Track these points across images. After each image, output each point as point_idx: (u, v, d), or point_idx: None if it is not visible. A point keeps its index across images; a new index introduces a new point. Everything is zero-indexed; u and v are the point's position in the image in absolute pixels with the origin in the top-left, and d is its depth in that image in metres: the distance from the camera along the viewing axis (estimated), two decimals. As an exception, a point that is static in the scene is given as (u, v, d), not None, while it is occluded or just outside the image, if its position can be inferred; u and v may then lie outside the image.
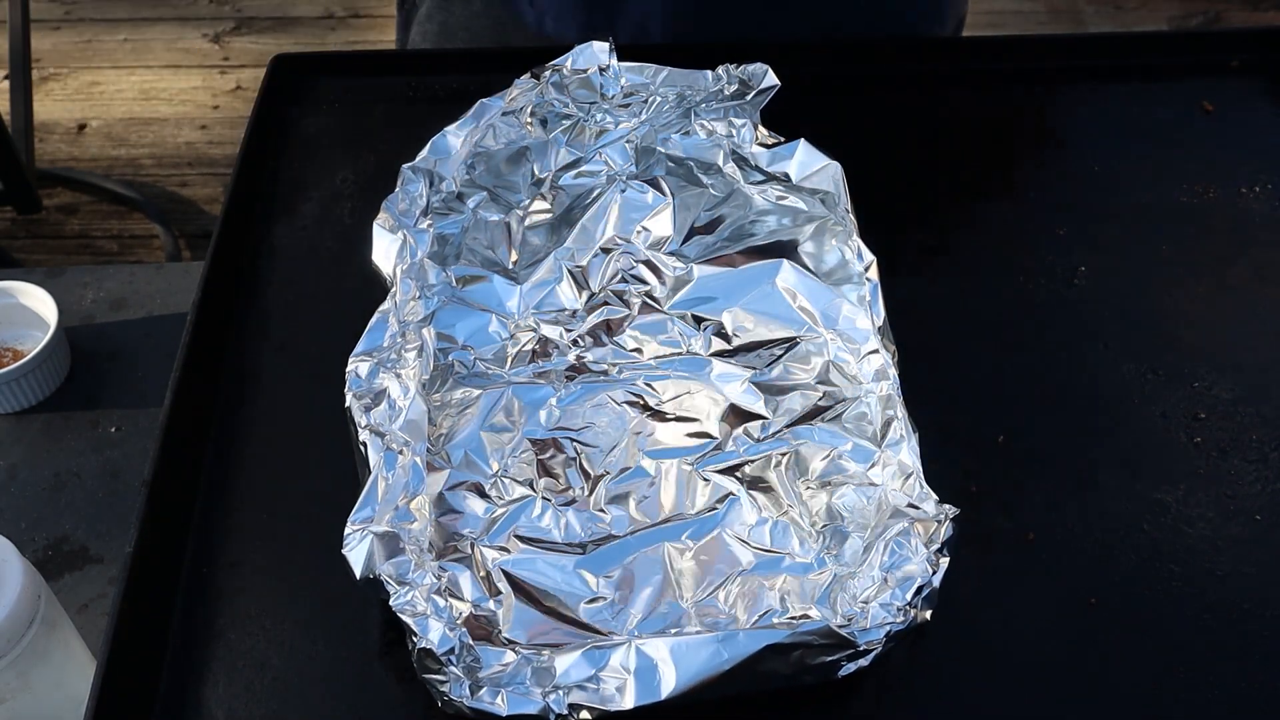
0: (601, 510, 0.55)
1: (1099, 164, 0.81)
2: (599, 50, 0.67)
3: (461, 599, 0.52)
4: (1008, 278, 0.73)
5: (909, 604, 0.51)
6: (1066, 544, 0.60)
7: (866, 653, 0.50)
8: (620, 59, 0.67)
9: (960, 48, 0.92)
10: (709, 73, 0.68)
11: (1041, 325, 0.71)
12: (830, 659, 0.50)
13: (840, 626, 0.49)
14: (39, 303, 0.88)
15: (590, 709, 0.48)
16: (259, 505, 0.63)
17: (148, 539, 0.58)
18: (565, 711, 0.48)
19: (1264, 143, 0.82)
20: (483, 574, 0.52)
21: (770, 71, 0.66)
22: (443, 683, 0.49)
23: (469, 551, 0.53)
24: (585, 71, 0.67)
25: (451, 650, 0.49)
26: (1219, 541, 0.60)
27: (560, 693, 0.48)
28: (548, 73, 0.68)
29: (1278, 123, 0.83)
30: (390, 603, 0.51)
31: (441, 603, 0.51)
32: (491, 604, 0.52)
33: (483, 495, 0.54)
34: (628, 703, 0.48)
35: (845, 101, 0.72)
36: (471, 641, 0.50)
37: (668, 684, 0.48)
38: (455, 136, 0.67)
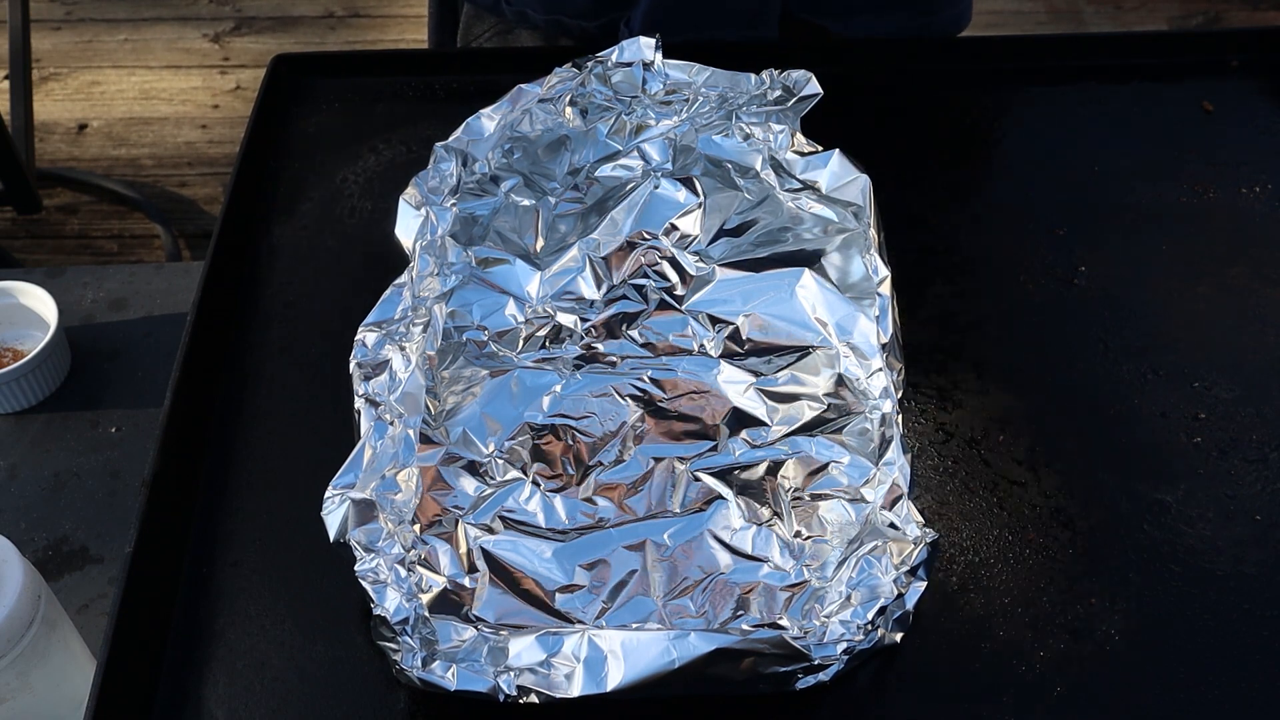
0: (589, 500, 0.55)
1: (1099, 164, 0.81)
2: (645, 45, 0.68)
3: (438, 573, 0.52)
4: (1008, 278, 0.73)
5: (870, 623, 0.51)
6: (1066, 544, 0.60)
7: (823, 668, 0.51)
8: (665, 56, 0.69)
9: (960, 48, 0.92)
10: (752, 76, 0.68)
11: (1041, 325, 0.71)
12: (784, 670, 0.51)
13: (795, 639, 0.50)
14: (39, 303, 0.88)
15: (538, 693, 0.49)
16: (259, 505, 0.63)
17: (148, 539, 0.58)
18: (513, 693, 0.49)
19: (1264, 143, 0.82)
20: (463, 550, 0.53)
21: (814, 80, 0.67)
22: (395, 651, 0.51)
23: (452, 528, 0.53)
24: (629, 65, 0.68)
25: (406, 620, 0.50)
26: (1219, 541, 0.60)
27: (511, 674, 0.50)
28: (591, 64, 0.68)
29: (1278, 123, 0.83)
30: (354, 568, 0.52)
31: (404, 573, 0.52)
32: (466, 580, 0.52)
33: (475, 474, 0.55)
34: (574, 691, 0.49)
35: (845, 101, 0.72)
36: (429, 615, 0.51)
37: (615, 677, 0.49)
38: (490, 119, 0.68)
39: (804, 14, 0.91)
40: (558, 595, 0.53)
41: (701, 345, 0.59)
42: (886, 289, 0.60)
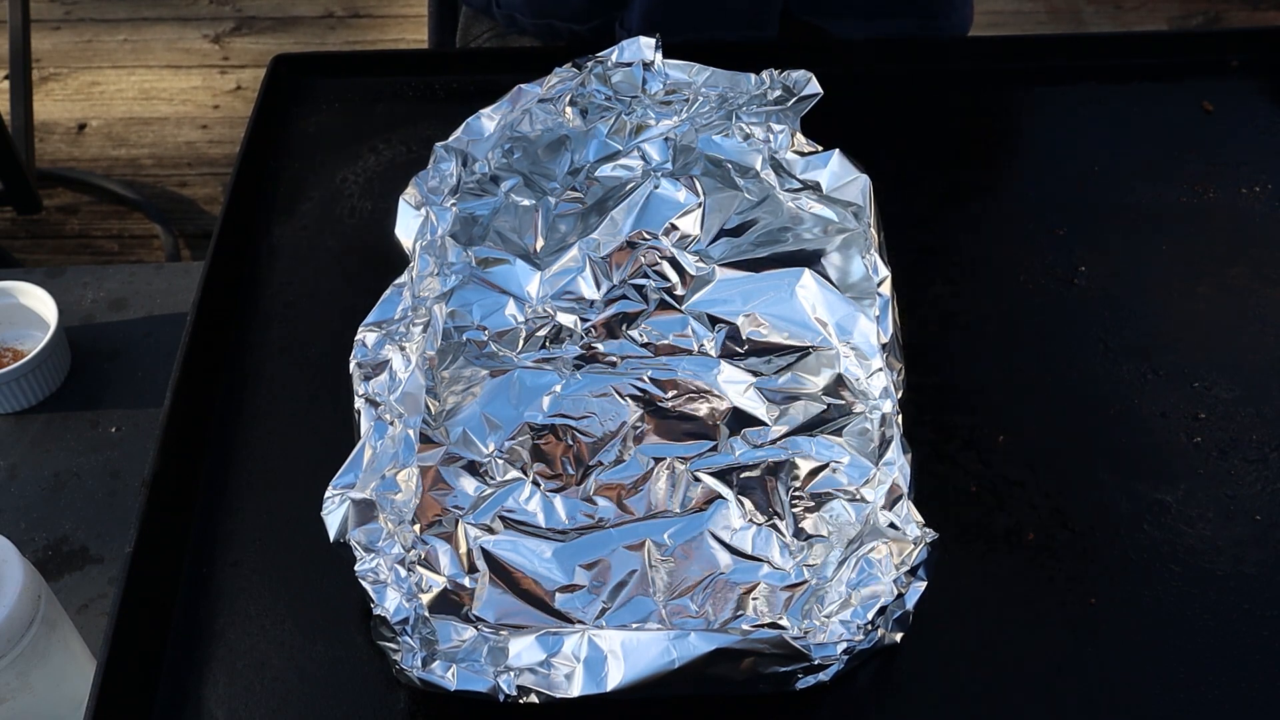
0: (589, 500, 0.55)
1: (1099, 164, 0.81)
2: (645, 45, 0.68)
3: (438, 573, 0.52)
4: (1008, 278, 0.73)
5: (870, 623, 0.51)
6: (1066, 544, 0.60)
7: (823, 668, 0.51)
8: (665, 56, 0.69)
9: (960, 48, 0.92)
10: (752, 76, 0.68)
11: (1041, 325, 0.71)
12: (784, 670, 0.51)
13: (795, 639, 0.50)
14: (39, 303, 0.88)
15: (538, 693, 0.49)
16: (259, 505, 0.63)
17: (148, 539, 0.58)
18: (513, 693, 0.49)
19: (1264, 143, 0.82)
20: (463, 550, 0.53)
21: (814, 80, 0.67)
22: (395, 651, 0.51)
23: (452, 528, 0.53)
24: (629, 65, 0.68)
25: (406, 620, 0.50)
26: (1219, 541, 0.60)
27: (511, 674, 0.50)
28: (591, 64, 0.68)
29: (1278, 123, 0.83)
30: (354, 568, 0.52)
31: (404, 573, 0.52)
32: (466, 580, 0.52)
33: (475, 474, 0.55)
34: (574, 691, 0.49)
35: (845, 101, 0.72)
36: (429, 615, 0.51)
37: (615, 677, 0.49)
38: (490, 119, 0.68)
39: (804, 15, 0.91)
40: (558, 595, 0.53)
41: (701, 345, 0.59)
42: (886, 289, 0.60)
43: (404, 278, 0.63)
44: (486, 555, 0.53)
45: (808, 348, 0.58)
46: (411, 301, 0.61)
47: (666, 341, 0.59)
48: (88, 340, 0.91)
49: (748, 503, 0.55)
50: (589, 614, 0.52)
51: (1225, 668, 0.56)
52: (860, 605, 0.52)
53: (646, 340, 0.59)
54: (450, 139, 0.68)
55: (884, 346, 0.58)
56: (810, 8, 0.91)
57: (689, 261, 0.61)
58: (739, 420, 0.57)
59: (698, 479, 0.55)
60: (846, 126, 0.69)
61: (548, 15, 0.92)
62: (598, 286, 0.60)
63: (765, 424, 0.57)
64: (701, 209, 0.62)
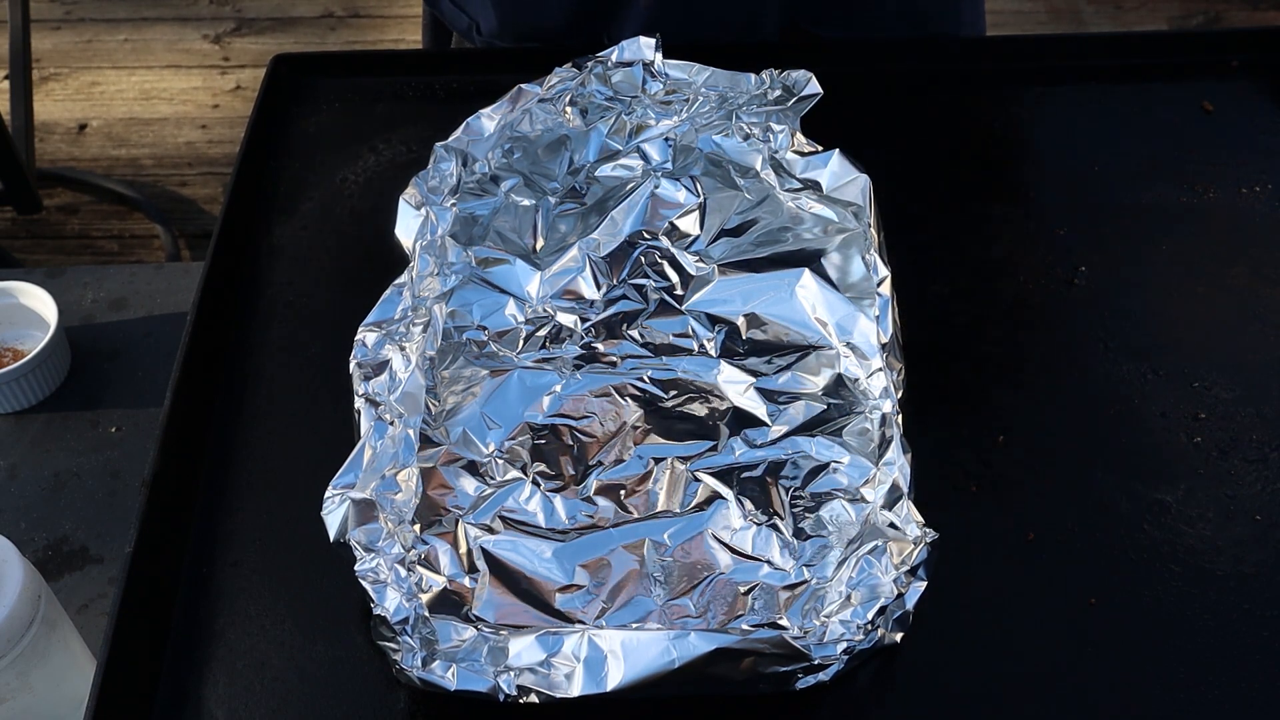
0: (589, 500, 0.55)
1: (1099, 164, 0.81)
2: (645, 45, 0.68)
3: (438, 572, 0.52)
4: (1008, 278, 0.73)
5: (870, 623, 0.51)
6: (1066, 544, 0.60)
7: (823, 667, 0.51)
8: (665, 56, 0.69)
9: (961, 48, 0.92)
10: (753, 76, 0.69)
11: (1041, 325, 0.71)
12: (784, 669, 0.51)
13: (795, 638, 0.50)
14: (39, 303, 0.88)
15: (538, 693, 0.49)
16: (259, 505, 0.63)
17: (148, 539, 0.58)
18: (513, 693, 0.49)
19: (1264, 143, 0.82)
20: (463, 550, 0.53)
21: (814, 80, 0.67)
22: (395, 651, 0.51)
23: (452, 528, 0.53)
24: (629, 65, 0.68)
25: (406, 620, 0.51)
26: (1219, 541, 0.60)
27: (511, 674, 0.50)
28: (591, 64, 0.68)
29: (1278, 123, 0.83)
30: (354, 568, 0.52)
31: (404, 573, 0.52)
32: (466, 580, 0.52)
33: (475, 474, 0.55)
34: (574, 691, 0.49)
35: (844, 101, 0.72)
36: (429, 614, 0.51)
37: (615, 677, 0.49)
38: (490, 119, 0.68)
39: (803, 24, 0.91)
40: (558, 595, 0.53)
41: (701, 345, 0.59)
42: (886, 289, 0.60)
43: (404, 278, 0.63)
44: (486, 555, 0.53)
45: (808, 347, 0.58)
46: (411, 301, 0.61)
47: (666, 341, 0.59)
48: (88, 340, 0.91)
49: (748, 503, 0.55)
50: (589, 614, 0.52)
51: (1225, 668, 0.56)
52: (860, 605, 0.52)
53: (646, 340, 0.59)
54: (450, 139, 0.68)
55: (884, 346, 0.58)
56: (808, 19, 0.91)
57: (689, 261, 0.61)
58: (739, 420, 0.57)
59: (698, 479, 0.55)
60: (846, 126, 0.69)
61: (526, 39, 0.92)
62: (598, 286, 0.60)
63: (765, 424, 0.57)
64: (701, 209, 0.62)
